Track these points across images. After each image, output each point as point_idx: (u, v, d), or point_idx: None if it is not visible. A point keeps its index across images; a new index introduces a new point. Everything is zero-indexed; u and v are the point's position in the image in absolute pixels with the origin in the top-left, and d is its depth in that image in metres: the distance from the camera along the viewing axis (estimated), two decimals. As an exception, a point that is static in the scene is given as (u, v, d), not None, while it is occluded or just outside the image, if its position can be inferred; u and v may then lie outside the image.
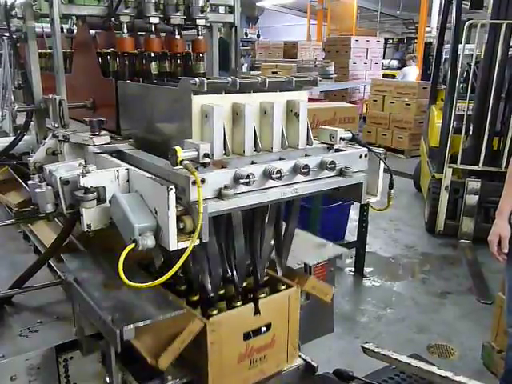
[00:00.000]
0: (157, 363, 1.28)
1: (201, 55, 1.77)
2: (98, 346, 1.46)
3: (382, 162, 1.47)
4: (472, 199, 4.67)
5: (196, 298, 1.45)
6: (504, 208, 2.28)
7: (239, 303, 1.46)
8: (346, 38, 12.01)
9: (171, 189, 1.09)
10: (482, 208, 4.69)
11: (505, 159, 4.56)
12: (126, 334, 1.18)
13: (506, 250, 2.26)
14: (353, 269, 4.23)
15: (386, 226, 5.36)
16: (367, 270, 4.25)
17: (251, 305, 1.46)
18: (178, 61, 1.76)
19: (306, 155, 1.37)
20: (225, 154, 1.27)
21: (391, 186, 1.48)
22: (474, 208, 4.69)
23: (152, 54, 1.66)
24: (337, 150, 1.45)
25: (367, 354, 1.73)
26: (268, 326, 1.50)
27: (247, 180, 1.17)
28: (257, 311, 1.46)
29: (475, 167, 4.69)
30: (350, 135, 1.48)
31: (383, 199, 1.52)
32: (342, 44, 11.67)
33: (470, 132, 4.78)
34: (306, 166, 1.28)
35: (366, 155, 1.46)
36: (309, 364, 1.71)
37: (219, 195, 1.15)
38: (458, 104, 4.80)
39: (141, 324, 1.21)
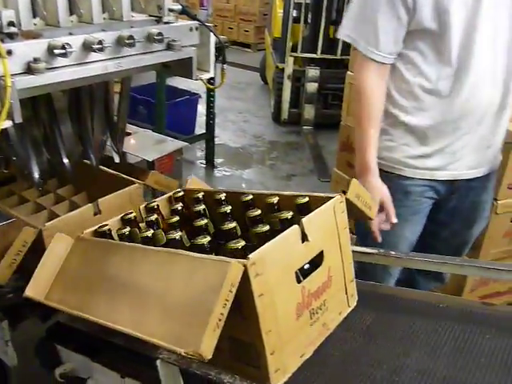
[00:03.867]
0: (199, 352, 0.79)
1: None
2: None
3: (213, 35, 1.44)
4: (312, 87, 4.92)
5: (240, 244, 0.94)
6: (371, 160, 1.51)
7: (265, 228, 0.99)
8: None
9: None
10: (321, 95, 4.98)
11: (340, 47, 4.80)
12: None
13: (395, 220, 1.51)
14: (204, 161, 4.30)
15: (235, 118, 5.46)
16: (218, 161, 4.36)
17: (295, 228, 0.98)
18: None
19: (131, 28, 1.28)
20: (35, 24, 1.12)
21: (224, 61, 1.47)
22: (314, 95, 4.96)
23: None
24: (166, 24, 1.38)
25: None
26: (320, 258, 1.05)
27: (63, 51, 1.06)
28: (304, 237, 1.00)
29: (314, 55, 4.89)
30: (180, 7, 1.39)
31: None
32: None
33: (309, 21, 4.91)
34: (131, 37, 1.19)
35: (196, 28, 1.41)
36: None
37: (29, 69, 1.03)
38: (297, -8, 4.85)
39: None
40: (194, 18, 1.41)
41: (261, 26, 8.47)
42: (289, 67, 4.95)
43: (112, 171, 1.54)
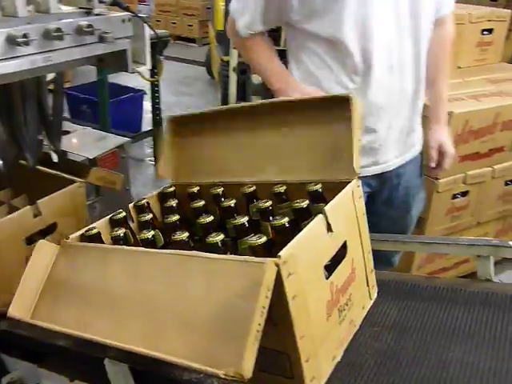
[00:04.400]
0: (240, 372, 0.66)
1: None
2: None
3: (147, 27, 1.41)
4: (257, 78, 4.92)
5: (262, 240, 0.81)
6: (286, 75, 1.49)
7: (285, 220, 0.87)
8: None
9: None
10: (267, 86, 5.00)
11: (283, 37, 4.82)
12: None
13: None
14: (153, 158, 4.25)
15: (183, 113, 5.41)
16: (167, 157, 4.31)
17: (321, 219, 0.87)
18: None
19: (59, 20, 1.23)
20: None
21: (160, 52, 1.44)
22: (260, 86, 4.96)
23: None
24: (97, 15, 1.34)
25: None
26: (344, 248, 0.96)
27: (-16, 46, 1.01)
28: (329, 227, 0.89)
29: (258, 47, 4.90)
30: (111, -2, 1.37)
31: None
32: None
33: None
34: (59, 30, 1.15)
35: (129, 19, 1.37)
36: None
37: None
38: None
39: None
40: (125, 9, 1.38)
41: (205, 20, 8.40)
42: (234, 59, 4.93)
43: (51, 171, 1.48)
